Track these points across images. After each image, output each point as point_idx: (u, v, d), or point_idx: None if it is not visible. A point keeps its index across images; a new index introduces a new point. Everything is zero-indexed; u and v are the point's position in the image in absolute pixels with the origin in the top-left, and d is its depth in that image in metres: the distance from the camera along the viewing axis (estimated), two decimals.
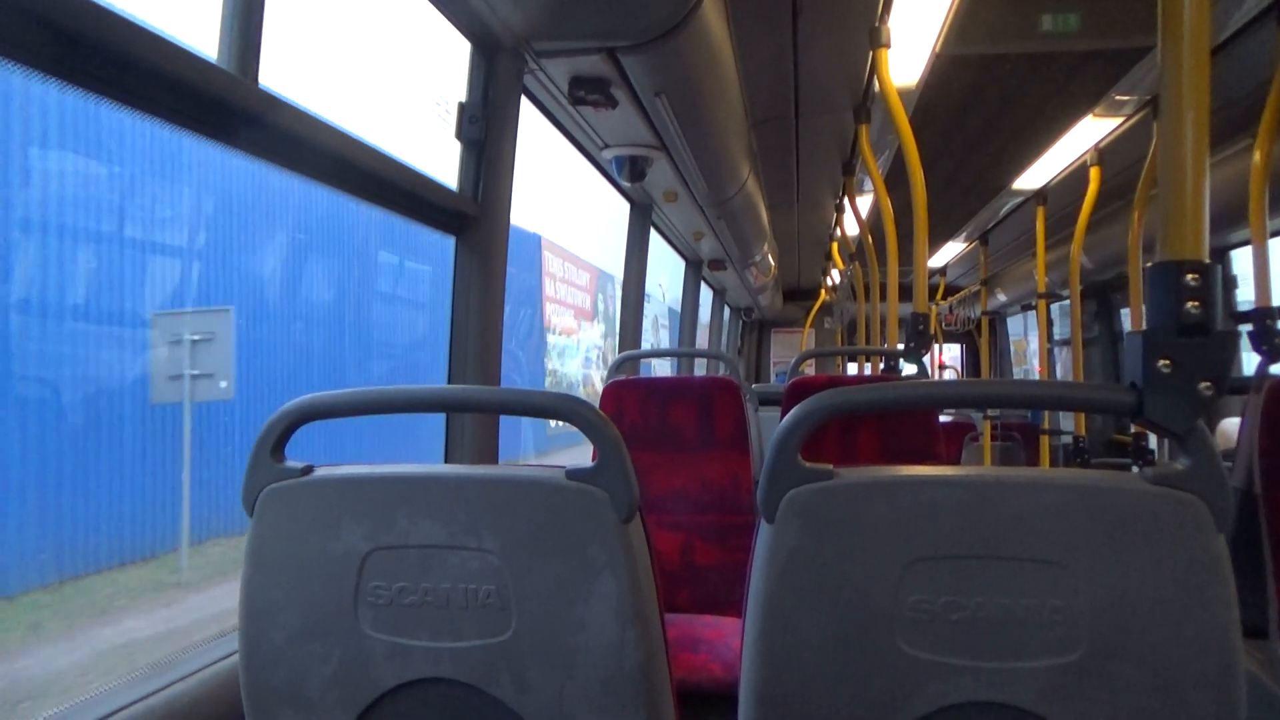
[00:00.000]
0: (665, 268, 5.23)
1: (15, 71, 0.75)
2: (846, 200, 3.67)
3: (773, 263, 5.01)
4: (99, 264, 3.39)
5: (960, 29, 1.99)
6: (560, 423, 0.83)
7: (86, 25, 0.78)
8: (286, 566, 0.77)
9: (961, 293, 6.70)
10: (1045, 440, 4.04)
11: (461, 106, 1.62)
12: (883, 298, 3.83)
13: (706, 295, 5.53)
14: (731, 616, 1.82)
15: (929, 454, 1.88)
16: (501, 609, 0.75)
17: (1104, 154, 3.00)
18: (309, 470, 0.79)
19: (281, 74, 1.21)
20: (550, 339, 7.81)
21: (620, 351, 3.01)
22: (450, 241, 1.66)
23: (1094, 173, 3.04)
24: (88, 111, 3.10)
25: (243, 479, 0.79)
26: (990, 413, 4.13)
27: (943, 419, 4.15)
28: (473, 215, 1.62)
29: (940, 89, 2.46)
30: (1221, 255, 3.16)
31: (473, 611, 0.75)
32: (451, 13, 1.52)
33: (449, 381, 1.65)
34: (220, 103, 0.97)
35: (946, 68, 2.28)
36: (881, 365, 2.71)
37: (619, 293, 3.33)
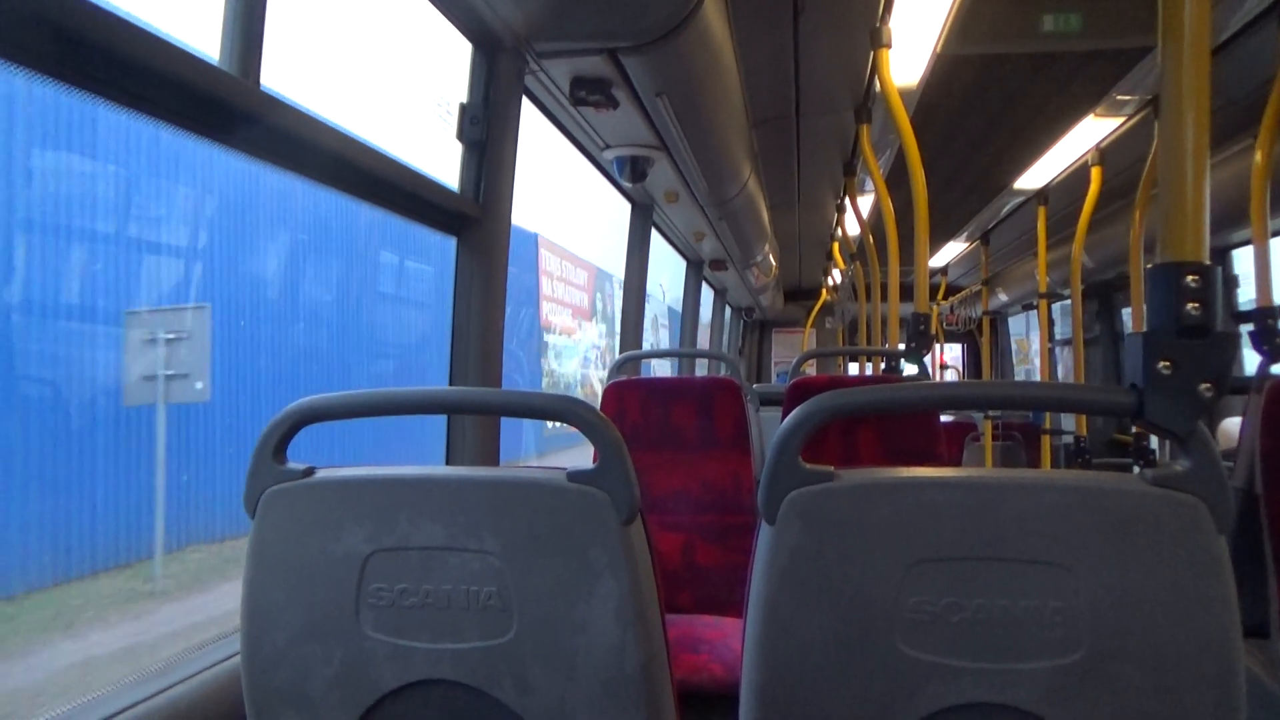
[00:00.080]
0: (666, 267, 5.23)
1: (17, 73, 0.75)
2: (847, 200, 3.67)
3: (774, 263, 5.01)
4: (73, 260, 3.27)
5: (961, 29, 1.99)
6: (557, 423, 0.83)
7: (88, 27, 0.78)
8: (288, 568, 0.78)
9: (963, 293, 6.69)
10: (1046, 440, 4.04)
11: (462, 107, 1.62)
12: (884, 298, 3.83)
13: (707, 295, 5.53)
14: (732, 617, 1.82)
15: (930, 454, 1.88)
16: (503, 610, 0.75)
17: (1105, 154, 3.00)
18: (310, 472, 0.79)
19: (283, 75, 1.21)
20: (547, 338, 7.77)
21: (621, 352, 3.02)
22: (436, 238, 1.65)
23: (1095, 173, 3.04)
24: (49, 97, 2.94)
25: (244, 481, 0.79)
26: (991, 413, 4.13)
27: (944, 419, 4.16)
28: (474, 216, 1.62)
29: (941, 89, 2.46)
30: (1223, 255, 3.16)
31: (474, 613, 0.75)
32: (452, 13, 1.52)
33: (450, 382, 1.65)
34: (222, 104, 0.97)
35: (947, 68, 2.28)
36: (883, 365, 2.71)
37: (618, 291, 3.32)
